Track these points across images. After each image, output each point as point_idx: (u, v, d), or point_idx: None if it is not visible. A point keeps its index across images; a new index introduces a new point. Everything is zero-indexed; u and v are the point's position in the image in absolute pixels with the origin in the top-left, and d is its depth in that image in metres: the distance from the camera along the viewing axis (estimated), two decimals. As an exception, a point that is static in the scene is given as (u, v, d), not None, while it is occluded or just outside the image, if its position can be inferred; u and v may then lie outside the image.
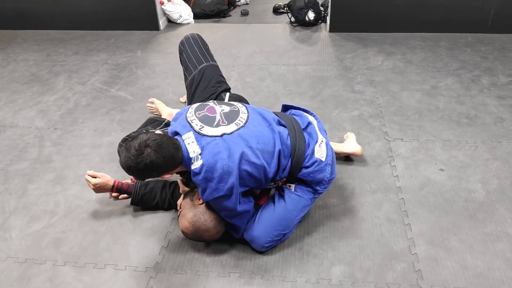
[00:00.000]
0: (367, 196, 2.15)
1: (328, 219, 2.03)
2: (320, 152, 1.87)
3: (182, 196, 1.93)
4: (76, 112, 2.95)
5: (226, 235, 1.92)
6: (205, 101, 2.25)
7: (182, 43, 2.50)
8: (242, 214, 1.79)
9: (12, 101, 3.12)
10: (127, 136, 2.39)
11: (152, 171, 1.65)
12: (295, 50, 3.77)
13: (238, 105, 1.89)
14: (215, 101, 1.92)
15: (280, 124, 1.88)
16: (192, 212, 1.81)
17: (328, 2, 4.09)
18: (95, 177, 2.04)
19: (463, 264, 1.79)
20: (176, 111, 2.70)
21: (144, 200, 2.07)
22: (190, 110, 1.83)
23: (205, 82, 2.35)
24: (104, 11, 4.23)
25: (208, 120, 1.76)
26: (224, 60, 3.59)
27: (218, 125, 1.74)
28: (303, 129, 1.91)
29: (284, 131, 1.85)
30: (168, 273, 1.80)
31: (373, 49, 3.71)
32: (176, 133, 1.78)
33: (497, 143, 2.49)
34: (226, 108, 1.84)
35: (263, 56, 3.66)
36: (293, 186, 1.89)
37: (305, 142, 1.86)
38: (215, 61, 2.47)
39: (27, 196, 2.24)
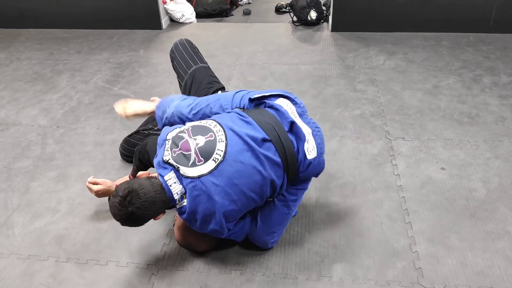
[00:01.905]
0: (368, 195, 2.16)
1: (329, 217, 2.04)
2: (310, 151, 1.70)
3: None
4: (79, 110, 2.97)
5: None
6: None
7: (172, 51, 2.48)
8: (236, 233, 1.79)
9: (15, 99, 3.14)
10: (128, 136, 2.41)
11: (143, 221, 1.65)
12: (297, 49, 3.77)
13: (215, 129, 1.67)
14: (190, 129, 1.70)
15: (264, 140, 1.66)
16: (185, 227, 1.82)
17: (330, 1, 4.09)
18: (96, 184, 2.03)
19: (464, 262, 1.80)
20: None
21: None
22: (166, 145, 1.67)
23: (196, 85, 2.33)
24: (106, 10, 4.24)
25: (183, 160, 1.61)
26: (226, 59, 3.61)
27: (194, 164, 1.60)
28: (288, 131, 1.71)
29: (270, 149, 1.65)
30: (170, 270, 1.81)
31: (375, 48, 3.71)
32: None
33: (499, 142, 2.49)
34: (201, 141, 1.64)
35: (265, 55, 3.67)
36: None
37: (294, 148, 1.69)
38: (205, 63, 2.44)
39: (30, 193, 2.26)
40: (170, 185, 1.61)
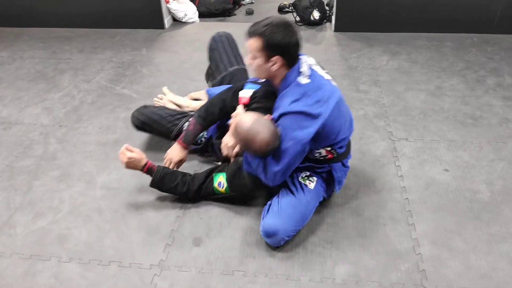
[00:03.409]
0: (371, 196, 2.15)
1: (332, 218, 2.03)
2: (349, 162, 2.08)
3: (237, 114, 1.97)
4: (81, 110, 2.96)
5: (232, 231, 1.94)
6: None
7: (214, 40, 2.52)
8: (296, 157, 1.79)
9: (17, 98, 3.14)
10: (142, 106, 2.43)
11: (282, 47, 1.74)
12: (300, 49, 3.75)
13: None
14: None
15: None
16: (258, 115, 1.81)
17: (333, 1, 4.08)
18: (131, 151, 2.05)
19: (467, 265, 1.79)
20: (198, 102, 2.66)
21: (165, 180, 2.07)
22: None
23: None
24: (109, 9, 4.24)
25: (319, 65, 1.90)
26: (229, 58, 3.59)
27: (322, 70, 1.88)
28: None
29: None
30: (172, 271, 1.81)
31: (378, 49, 3.70)
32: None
33: (503, 144, 2.48)
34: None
35: (268, 55, 3.65)
36: (313, 184, 1.95)
37: None
38: (244, 64, 2.48)
39: (32, 192, 2.25)
40: (302, 63, 1.81)
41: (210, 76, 2.66)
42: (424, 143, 2.51)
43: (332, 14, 4.22)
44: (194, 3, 4.55)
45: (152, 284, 1.75)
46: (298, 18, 4.31)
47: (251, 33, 1.78)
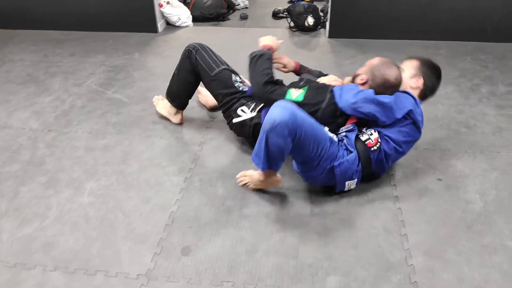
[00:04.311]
0: (363, 205, 2.12)
1: (323, 228, 2.00)
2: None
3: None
4: (71, 114, 2.92)
5: (222, 241, 1.90)
6: None
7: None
8: (386, 108, 2.01)
9: (6, 101, 3.09)
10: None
11: (428, 75, 2.22)
12: (294, 55, 3.71)
13: None
14: None
15: None
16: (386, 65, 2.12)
17: (328, 7, 4.07)
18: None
19: (460, 276, 1.77)
20: None
21: (266, 60, 2.30)
22: None
23: None
24: (102, 12, 4.20)
25: None
26: (222, 64, 3.56)
27: None
28: None
29: None
30: (160, 281, 1.77)
31: (372, 55, 3.61)
32: None
33: (496, 153, 2.47)
34: None
35: (262, 60, 3.63)
36: (333, 138, 2.03)
37: None
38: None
39: (18, 198, 2.21)
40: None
41: None
42: (418, 151, 2.49)
43: (326, 20, 4.21)
44: (188, 7, 4.53)
45: (139, 295, 1.72)
46: (292, 24, 4.29)
47: (411, 57, 2.28)
